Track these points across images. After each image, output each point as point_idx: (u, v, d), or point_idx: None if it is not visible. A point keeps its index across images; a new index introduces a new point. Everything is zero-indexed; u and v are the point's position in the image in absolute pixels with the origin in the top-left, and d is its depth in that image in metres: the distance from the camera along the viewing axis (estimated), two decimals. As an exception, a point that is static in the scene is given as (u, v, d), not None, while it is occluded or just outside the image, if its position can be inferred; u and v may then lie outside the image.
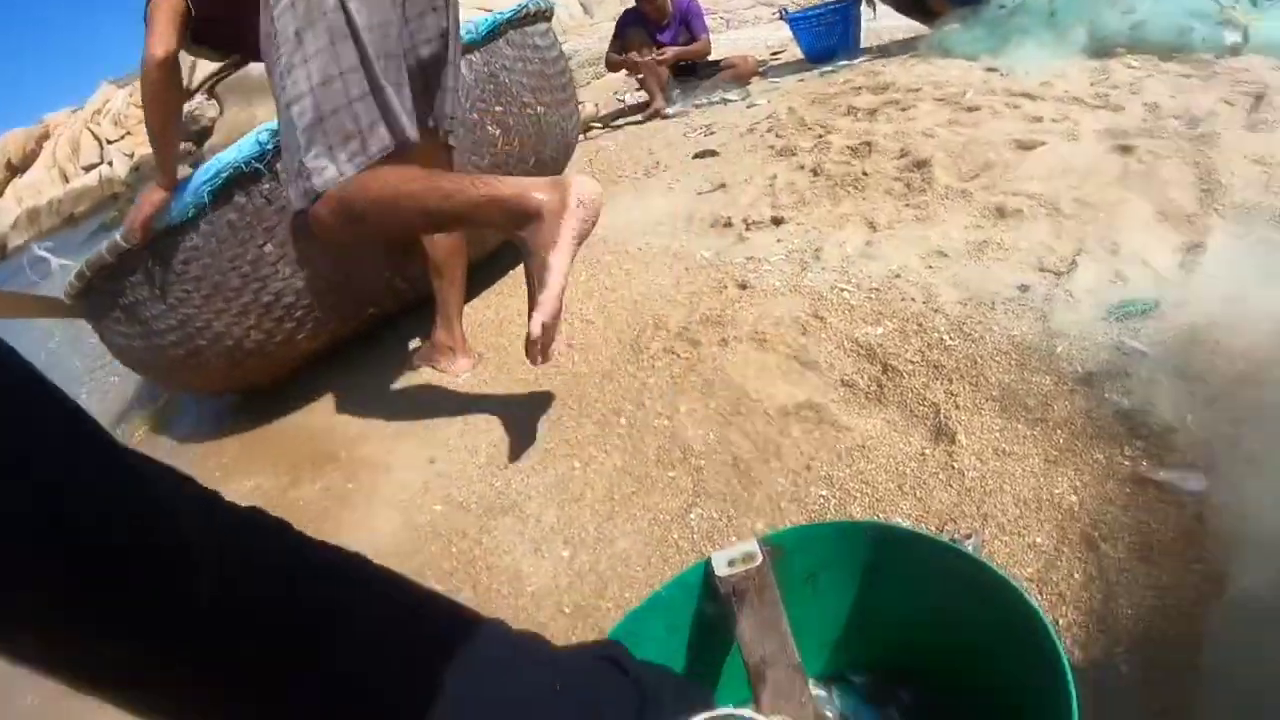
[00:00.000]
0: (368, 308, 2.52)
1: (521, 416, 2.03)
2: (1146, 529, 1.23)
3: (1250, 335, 1.42)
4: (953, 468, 1.43)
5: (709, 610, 0.98)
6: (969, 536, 1.30)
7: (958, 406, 1.53)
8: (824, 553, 0.99)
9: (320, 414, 2.46)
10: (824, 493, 1.46)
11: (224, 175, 2.14)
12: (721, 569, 0.96)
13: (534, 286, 1.57)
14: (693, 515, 1.55)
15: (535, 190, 1.55)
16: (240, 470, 2.28)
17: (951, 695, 1.02)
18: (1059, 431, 1.41)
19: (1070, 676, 0.78)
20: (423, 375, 2.36)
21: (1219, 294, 1.54)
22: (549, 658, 0.83)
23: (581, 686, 0.78)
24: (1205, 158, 2.04)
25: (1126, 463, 1.32)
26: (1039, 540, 1.27)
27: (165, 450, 2.58)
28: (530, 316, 1.56)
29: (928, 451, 1.48)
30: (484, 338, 2.42)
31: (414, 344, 2.54)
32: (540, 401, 2.04)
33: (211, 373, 2.44)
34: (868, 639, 1.07)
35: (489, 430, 2.04)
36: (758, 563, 0.95)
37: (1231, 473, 1.24)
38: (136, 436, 2.97)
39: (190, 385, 2.64)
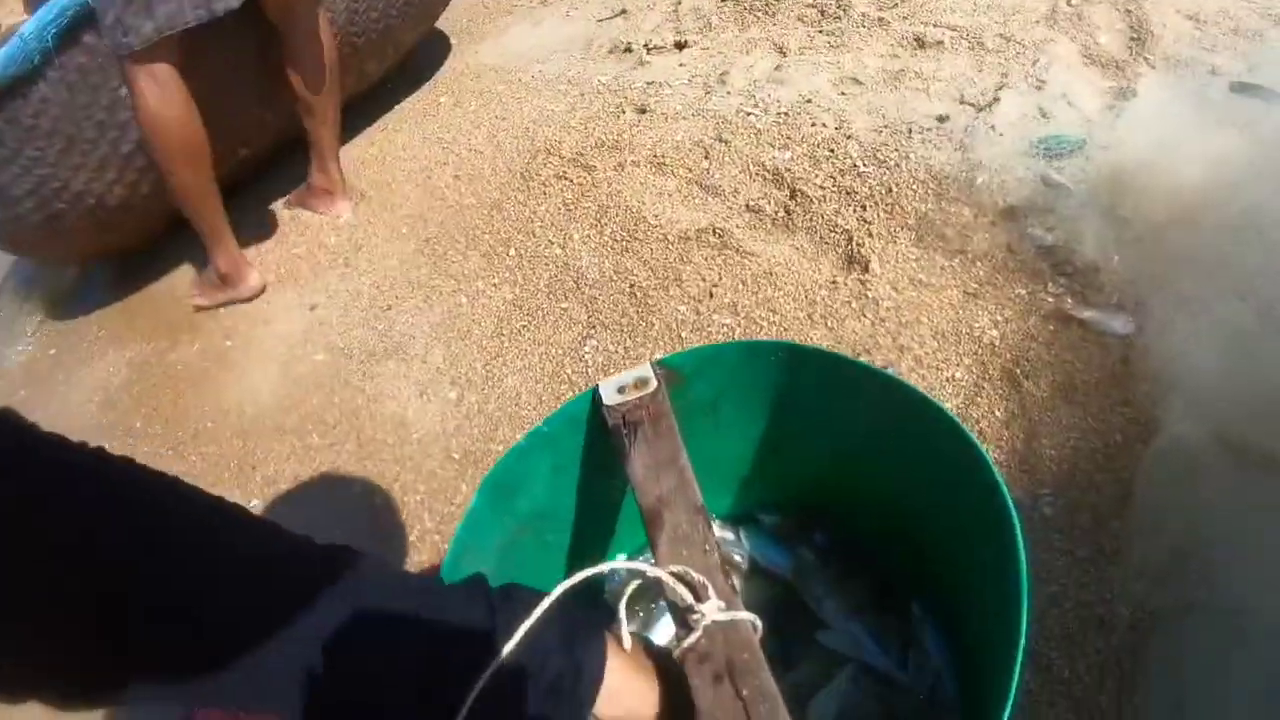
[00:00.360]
0: (238, 149, 2.17)
1: (406, 254, 1.80)
2: (1070, 368, 1.13)
3: (1178, 180, 1.28)
4: (866, 297, 1.30)
5: (599, 446, 0.84)
6: (885, 368, 1.19)
7: (871, 234, 1.38)
8: (728, 377, 0.84)
9: (188, 271, 2.15)
10: (728, 321, 1.31)
11: (69, 14, 1.74)
12: (610, 397, 0.80)
13: None
14: (587, 348, 1.39)
15: None
16: (118, 340, 1.99)
17: (872, 535, 0.93)
18: (979, 264, 1.29)
19: (1009, 498, 0.67)
20: (301, 221, 2.07)
21: (1147, 139, 1.39)
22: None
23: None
24: (1138, 7, 1.86)
25: (1050, 299, 1.21)
26: (958, 375, 1.17)
27: (36, 329, 2.25)
28: None
29: (839, 280, 1.34)
30: (367, 175, 2.13)
31: (291, 189, 2.23)
32: (425, 238, 1.81)
33: (77, 238, 2.08)
34: (778, 475, 0.94)
35: (371, 271, 1.81)
36: (651, 389, 0.80)
37: (1160, 315, 1.14)
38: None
39: (56, 254, 2.25)
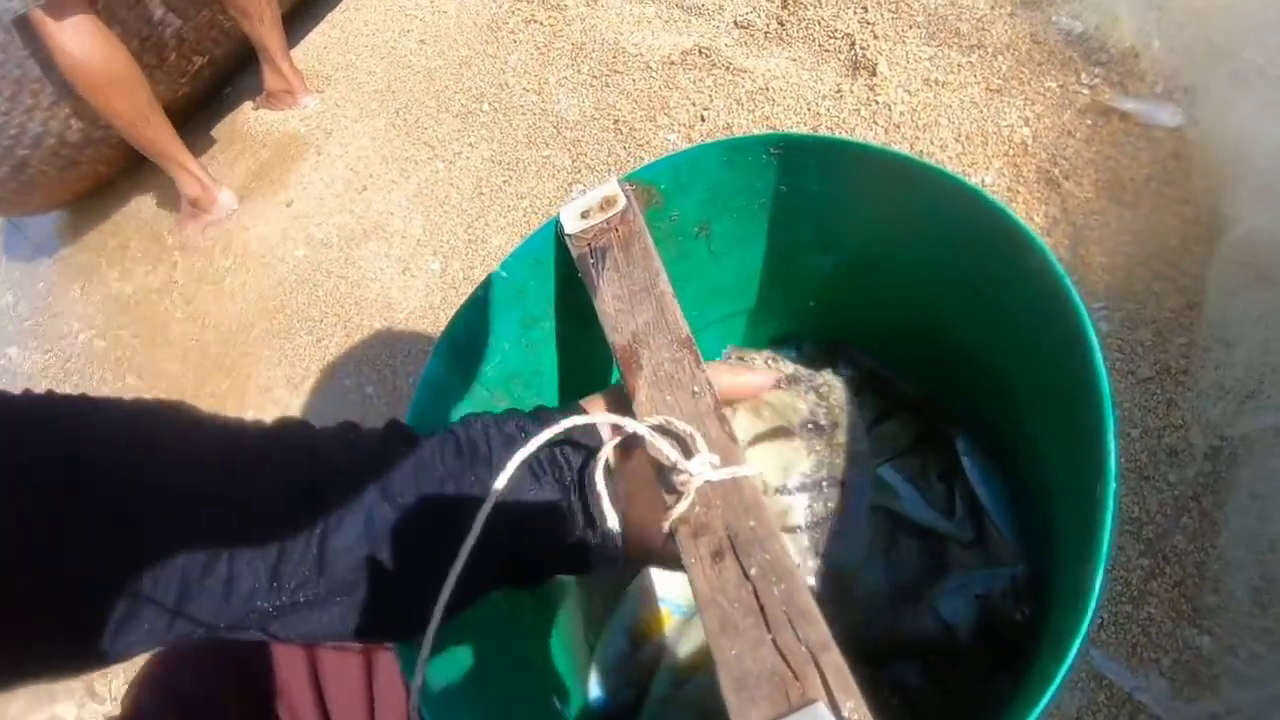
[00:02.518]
0: (194, 59, 1.94)
1: (377, 131, 1.59)
2: (1115, 165, 0.91)
3: None
4: (877, 103, 1.07)
5: (574, 288, 0.66)
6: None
7: (876, 36, 1.14)
8: (714, 188, 0.65)
9: (169, 194, 1.95)
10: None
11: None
12: (572, 223, 0.62)
13: None
14: (574, 193, 1.19)
15: None
16: (99, 273, 1.84)
17: (905, 365, 0.75)
18: (1000, 58, 1.05)
19: (1079, 303, 0.49)
20: (267, 120, 1.86)
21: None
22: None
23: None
24: None
25: (1085, 91, 0.98)
26: (989, 179, 0.96)
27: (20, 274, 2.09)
28: None
29: (844, 87, 1.11)
30: (331, 59, 1.89)
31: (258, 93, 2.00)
32: (395, 109, 1.59)
33: (47, 183, 1.90)
34: (792, 300, 0.76)
35: (343, 155, 1.61)
36: (620, 208, 0.61)
37: (1215, 99, 0.91)
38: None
39: (31, 205, 2.07)
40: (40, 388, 0.40)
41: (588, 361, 0.74)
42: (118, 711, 0.57)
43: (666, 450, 0.44)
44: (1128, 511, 0.74)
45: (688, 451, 0.45)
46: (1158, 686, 0.71)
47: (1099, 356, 0.44)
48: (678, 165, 0.64)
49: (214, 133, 1.93)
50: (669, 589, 0.76)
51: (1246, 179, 0.82)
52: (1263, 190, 0.80)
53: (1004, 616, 0.63)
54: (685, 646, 0.74)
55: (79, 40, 1.39)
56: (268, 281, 1.50)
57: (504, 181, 1.28)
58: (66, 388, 1.29)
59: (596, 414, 0.45)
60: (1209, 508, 0.72)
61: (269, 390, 1.32)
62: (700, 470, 0.43)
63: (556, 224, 0.64)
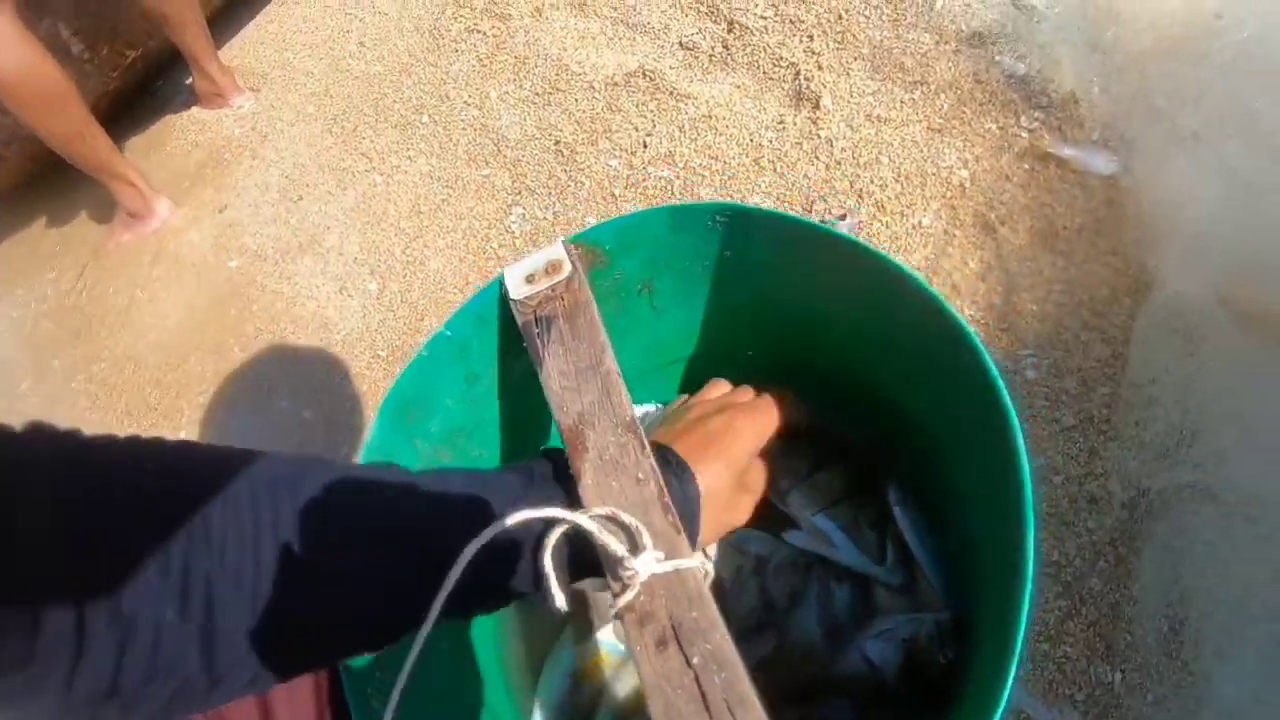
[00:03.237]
0: (126, 52, 1.84)
1: (314, 136, 1.54)
2: (1050, 213, 0.95)
3: (1161, 8, 1.08)
4: (819, 137, 1.09)
5: (518, 345, 0.66)
6: (843, 217, 1.00)
7: (820, 67, 1.16)
8: (658, 249, 0.65)
9: (101, 197, 1.86)
10: (665, 173, 1.11)
11: None
12: (517, 288, 0.62)
13: None
14: (513, 217, 1.18)
15: None
16: (28, 278, 1.74)
17: (839, 418, 0.77)
18: (942, 96, 1.08)
19: (989, 363, 0.52)
20: (201, 119, 1.78)
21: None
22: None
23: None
24: None
25: (1024, 135, 1.01)
26: (925, 221, 0.98)
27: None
28: None
29: (787, 119, 1.13)
30: (267, 55, 1.82)
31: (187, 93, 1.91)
32: (333, 115, 1.55)
33: None
34: (730, 356, 0.78)
35: (279, 161, 1.55)
36: (566, 274, 0.61)
37: (1150, 154, 0.95)
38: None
39: None
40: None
41: (530, 412, 0.74)
42: None
43: (612, 545, 0.45)
44: (1047, 555, 0.78)
45: (634, 543, 0.46)
46: (1071, 719, 0.76)
47: (1025, 467, 0.47)
48: (624, 227, 0.64)
49: (146, 131, 1.84)
50: (605, 631, 0.77)
51: (1175, 239, 0.87)
52: (1191, 253, 0.85)
53: (929, 659, 0.66)
54: (625, 686, 0.76)
55: (4, 54, 1.30)
56: (200, 292, 1.44)
57: (443, 200, 1.27)
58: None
59: (543, 508, 0.46)
60: (1125, 554, 0.76)
61: (201, 407, 1.28)
62: (645, 566, 0.44)
63: (500, 284, 0.63)
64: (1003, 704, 0.43)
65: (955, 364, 0.54)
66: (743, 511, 0.61)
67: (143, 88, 1.94)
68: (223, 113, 1.75)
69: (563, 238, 0.64)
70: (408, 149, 1.37)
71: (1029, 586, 0.44)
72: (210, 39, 1.66)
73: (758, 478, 0.63)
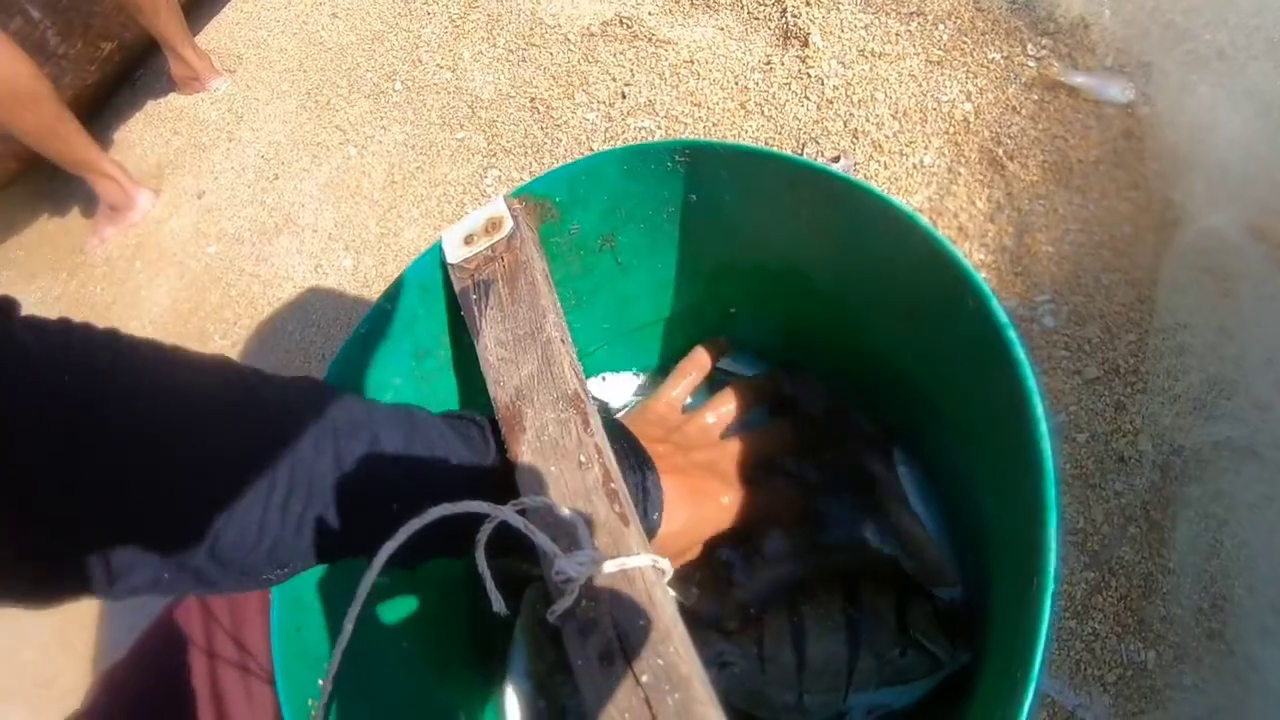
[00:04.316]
0: (102, 44, 1.77)
1: (289, 113, 1.46)
2: (1063, 145, 0.84)
3: None
4: (809, 76, 0.99)
5: (462, 317, 0.58)
6: (836, 158, 0.91)
7: (809, 2, 1.06)
8: (616, 198, 0.57)
9: (82, 191, 1.79)
10: (646, 123, 1.02)
11: None
12: (454, 251, 0.54)
13: None
14: (489, 179, 1.10)
15: None
16: (14, 286, 1.70)
17: (832, 377, 0.69)
18: (941, 27, 0.97)
19: (1007, 324, 0.43)
20: (177, 105, 1.71)
21: None
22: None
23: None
24: None
25: (1031, 64, 0.91)
26: (928, 159, 0.89)
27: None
28: None
29: (775, 59, 1.03)
30: (242, 35, 1.73)
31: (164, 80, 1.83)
32: (307, 90, 1.47)
33: None
34: (708, 313, 0.71)
35: (255, 141, 1.48)
36: (505, 232, 0.53)
37: (1170, 78, 0.85)
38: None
39: None
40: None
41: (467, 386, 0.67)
42: None
43: (543, 544, 0.37)
44: (1072, 522, 0.69)
45: (573, 540, 0.39)
46: (1101, 704, 0.67)
47: (1041, 421, 0.38)
48: (574, 176, 0.56)
49: (126, 122, 1.77)
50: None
51: (1202, 170, 0.76)
52: (1219, 185, 0.75)
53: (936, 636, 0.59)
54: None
55: None
56: (181, 280, 1.38)
57: (417, 168, 1.18)
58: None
59: (455, 504, 0.38)
60: (1158, 519, 0.67)
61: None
62: (581, 571, 0.36)
63: (438, 248, 0.55)
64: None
65: (958, 310, 0.46)
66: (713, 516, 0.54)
67: (122, 79, 1.87)
68: (199, 97, 1.68)
69: (504, 193, 0.55)
70: (381, 118, 1.29)
71: (1049, 590, 0.36)
72: (184, 24, 1.58)
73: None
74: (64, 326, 0.36)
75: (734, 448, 0.58)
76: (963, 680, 0.58)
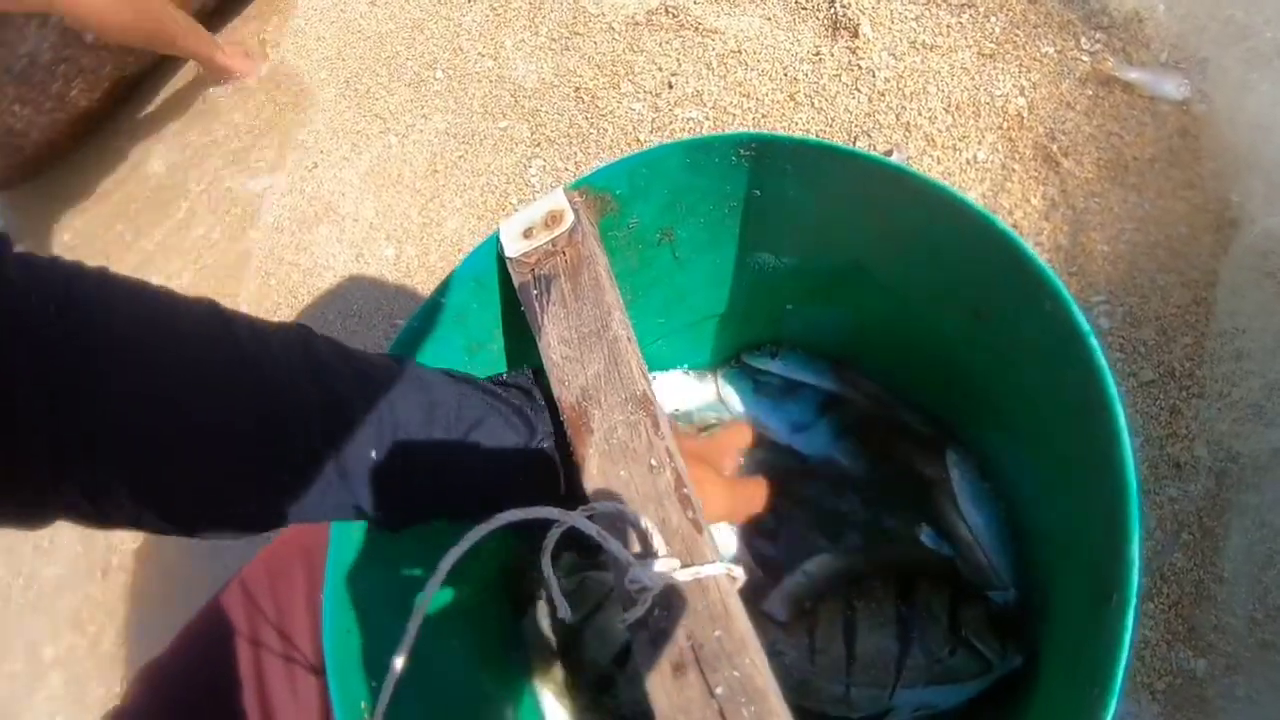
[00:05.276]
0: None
1: (327, 101, 1.45)
2: (1118, 142, 0.82)
3: None
4: (859, 68, 0.97)
5: (515, 306, 0.57)
6: (889, 152, 0.88)
7: (858, -8, 1.03)
8: (676, 192, 0.55)
9: (122, 172, 1.79)
10: (693, 114, 0.99)
11: None
12: (513, 244, 0.53)
13: None
14: (533, 169, 1.08)
15: None
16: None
17: (889, 375, 0.67)
18: (993, 19, 0.94)
19: (1088, 331, 0.41)
20: (214, 97, 1.69)
21: None
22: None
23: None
24: None
25: (1085, 58, 0.88)
26: (981, 155, 0.86)
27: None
28: None
29: (824, 50, 1.00)
30: (275, 21, 1.72)
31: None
32: (345, 79, 1.45)
33: None
34: (766, 309, 0.69)
35: (295, 130, 1.46)
36: (567, 226, 0.52)
37: (1229, 75, 0.82)
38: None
39: None
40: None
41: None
42: None
43: (617, 551, 0.36)
44: (1124, 527, 0.67)
45: (646, 547, 0.37)
46: (1150, 712, 0.66)
47: (1124, 433, 0.36)
48: (635, 169, 0.54)
49: (170, 103, 1.76)
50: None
51: (1261, 170, 0.73)
52: (1271, 186, 0.72)
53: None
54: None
55: None
56: (220, 265, 1.38)
57: (459, 157, 1.17)
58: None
59: (520, 511, 0.37)
60: (1212, 526, 0.65)
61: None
62: (655, 581, 0.35)
63: (496, 241, 0.54)
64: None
65: (1033, 312, 0.44)
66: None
67: (155, 73, 1.85)
68: (235, 91, 1.67)
69: (564, 185, 0.54)
70: (422, 107, 1.28)
71: (1131, 606, 0.35)
72: (204, 31, 1.56)
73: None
74: (52, 261, 0.36)
75: (719, 438, 0.62)
76: (1014, 684, 0.57)
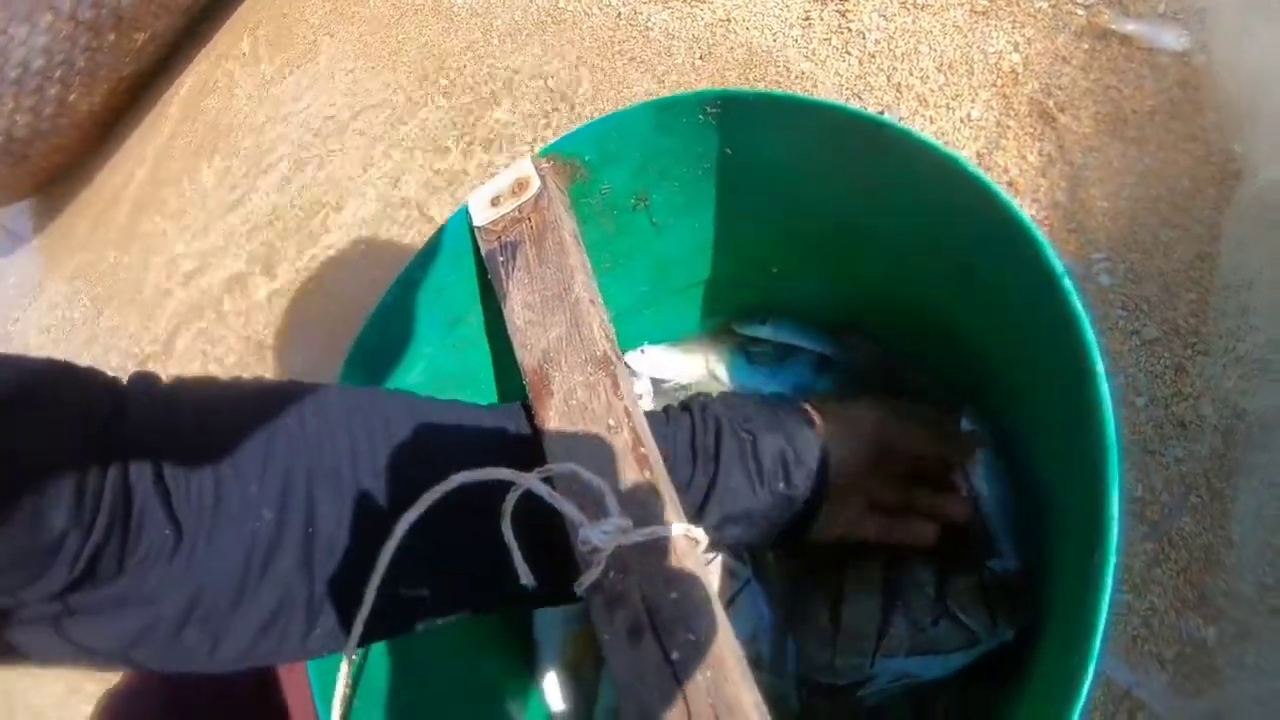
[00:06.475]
0: (134, 35, 1.76)
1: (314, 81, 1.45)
2: (1116, 95, 0.78)
3: None
4: (849, 30, 0.94)
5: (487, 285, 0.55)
6: (881, 114, 0.86)
7: (845, -44, 1.00)
8: (648, 154, 0.53)
9: (130, 173, 1.80)
10: (689, 81, 0.98)
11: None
12: (481, 213, 0.51)
13: None
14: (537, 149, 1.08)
15: None
16: (58, 263, 1.73)
17: (884, 338, 0.65)
18: (984, -26, 0.91)
19: (1062, 272, 0.39)
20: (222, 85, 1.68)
21: None
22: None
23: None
24: None
25: (1080, 11, 0.84)
26: (975, 113, 0.83)
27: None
28: None
29: (813, 14, 0.97)
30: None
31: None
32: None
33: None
34: (751, 274, 0.66)
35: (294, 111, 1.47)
36: (533, 192, 0.50)
37: (1228, 23, 0.78)
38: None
39: None
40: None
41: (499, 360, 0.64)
42: None
43: (568, 511, 0.35)
44: (1130, 490, 0.65)
45: (600, 507, 0.36)
46: (1158, 681, 0.63)
47: (1101, 376, 0.34)
48: (603, 133, 0.52)
49: (182, 97, 1.77)
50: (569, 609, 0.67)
51: (1263, 120, 0.70)
52: (1276, 138, 0.68)
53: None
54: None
55: None
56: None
57: (460, 135, 1.16)
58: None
59: (475, 471, 0.35)
60: (1220, 488, 0.62)
61: (232, 352, 1.24)
62: (606, 541, 0.34)
63: (466, 212, 0.53)
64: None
65: (1014, 261, 0.41)
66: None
67: (156, 72, 1.85)
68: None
69: (532, 152, 0.52)
70: (422, 88, 1.26)
71: (1110, 563, 0.32)
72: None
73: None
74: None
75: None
76: (1011, 658, 0.55)
